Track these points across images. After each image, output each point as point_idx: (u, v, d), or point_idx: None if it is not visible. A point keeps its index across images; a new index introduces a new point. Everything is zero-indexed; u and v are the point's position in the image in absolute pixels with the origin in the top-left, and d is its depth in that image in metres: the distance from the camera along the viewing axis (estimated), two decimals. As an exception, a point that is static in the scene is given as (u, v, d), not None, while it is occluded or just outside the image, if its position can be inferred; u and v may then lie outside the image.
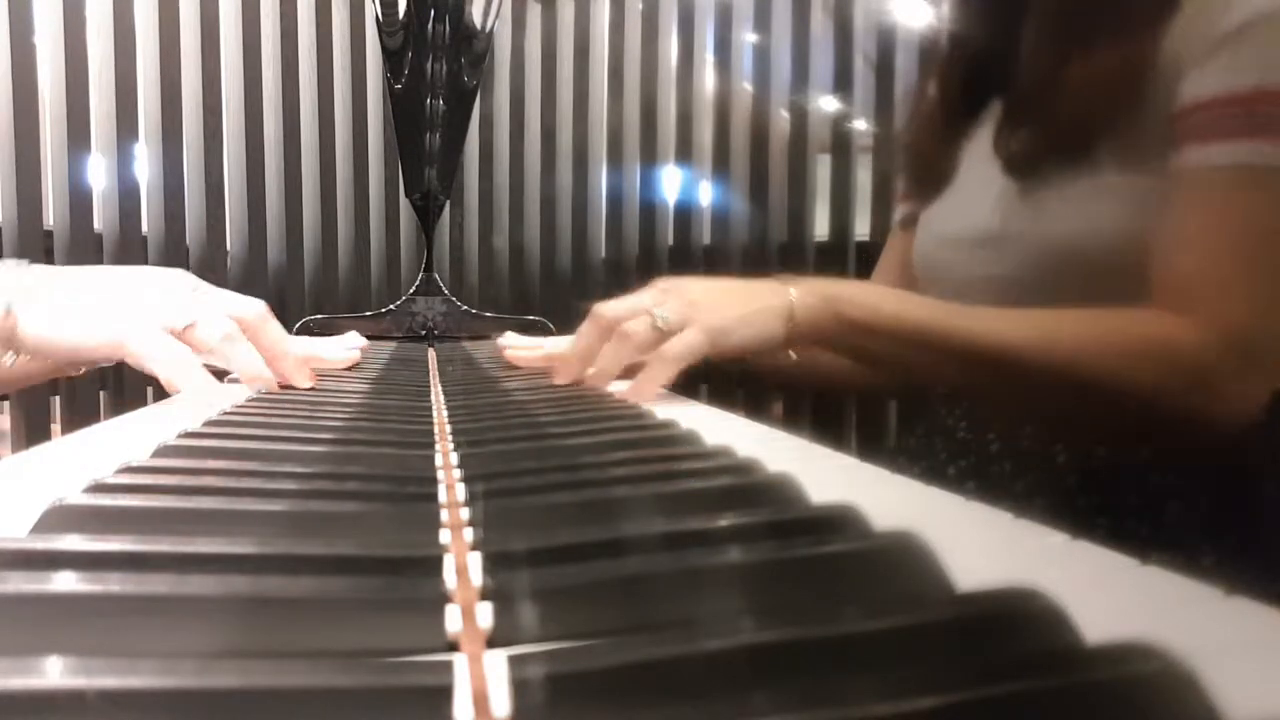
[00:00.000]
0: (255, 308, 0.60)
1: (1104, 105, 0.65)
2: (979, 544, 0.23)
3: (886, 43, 1.53)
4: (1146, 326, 0.60)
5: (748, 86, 1.58)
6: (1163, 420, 0.60)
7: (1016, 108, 0.73)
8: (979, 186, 0.76)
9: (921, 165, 0.87)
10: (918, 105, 0.90)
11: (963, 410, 0.79)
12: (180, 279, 0.60)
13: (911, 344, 0.63)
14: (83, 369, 0.65)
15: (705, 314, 0.60)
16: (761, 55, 1.57)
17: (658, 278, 0.66)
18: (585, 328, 0.64)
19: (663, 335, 0.60)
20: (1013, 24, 0.73)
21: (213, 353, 0.56)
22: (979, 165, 0.77)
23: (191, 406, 0.51)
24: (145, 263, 1.49)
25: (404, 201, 1.49)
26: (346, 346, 0.78)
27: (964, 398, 0.72)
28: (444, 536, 0.24)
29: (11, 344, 0.53)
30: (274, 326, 0.60)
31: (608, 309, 0.63)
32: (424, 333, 1.28)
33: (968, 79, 0.81)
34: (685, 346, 0.59)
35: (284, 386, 0.60)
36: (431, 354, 0.98)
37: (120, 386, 1.44)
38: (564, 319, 1.28)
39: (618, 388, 0.62)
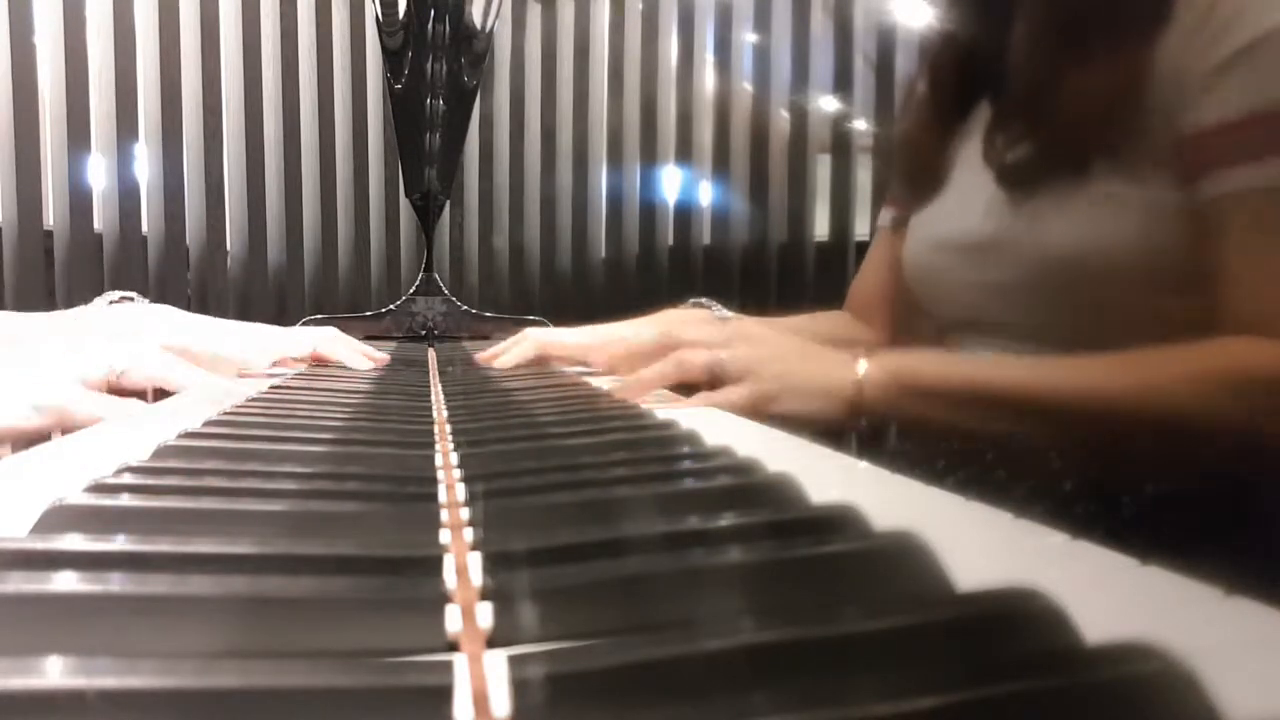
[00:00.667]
0: (161, 361, 0.56)
1: (1097, 117, 0.64)
2: (979, 544, 0.23)
3: (886, 43, 1.53)
4: (1242, 357, 0.58)
5: (748, 86, 1.58)
6: (1259, 449, 0.58)
7: (1007, 117, 0.72)
8: (970, 191, 0.76)
9: (912, 167, 0.86)
10: (908, 105, 0.90)
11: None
12: (69, 344, 0.55)
13: (999, 408, 0.61)
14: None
15: (763, 373, 0.60)
16: (761, 55, 1.57)
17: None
18: (649, 341, 0.64)
19: (715, 376, 0.60)
20: (1003, 24, 0.73)
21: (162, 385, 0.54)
22: (970, 169, 0.77)
23: (190, 407, 0.51)
24: (146, 262, 1.49)
25: (404, 201, 1.49)
26: (362, 352, 0.78)
27: (1049, 451, 0.70)
28: (444, 536, 0.24)
29: None
30: (180, 375, 0.57)
31: (677, 333, 0.63)
32: (424, 333, 1.28)
33: (957, 80, 0.81)
34: (725, 400, 0.59)
35: (285, 386, 0.60)
36: (431, 354, 0.98)
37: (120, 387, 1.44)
38: (564, 319, 1.28)
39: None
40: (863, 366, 0.61)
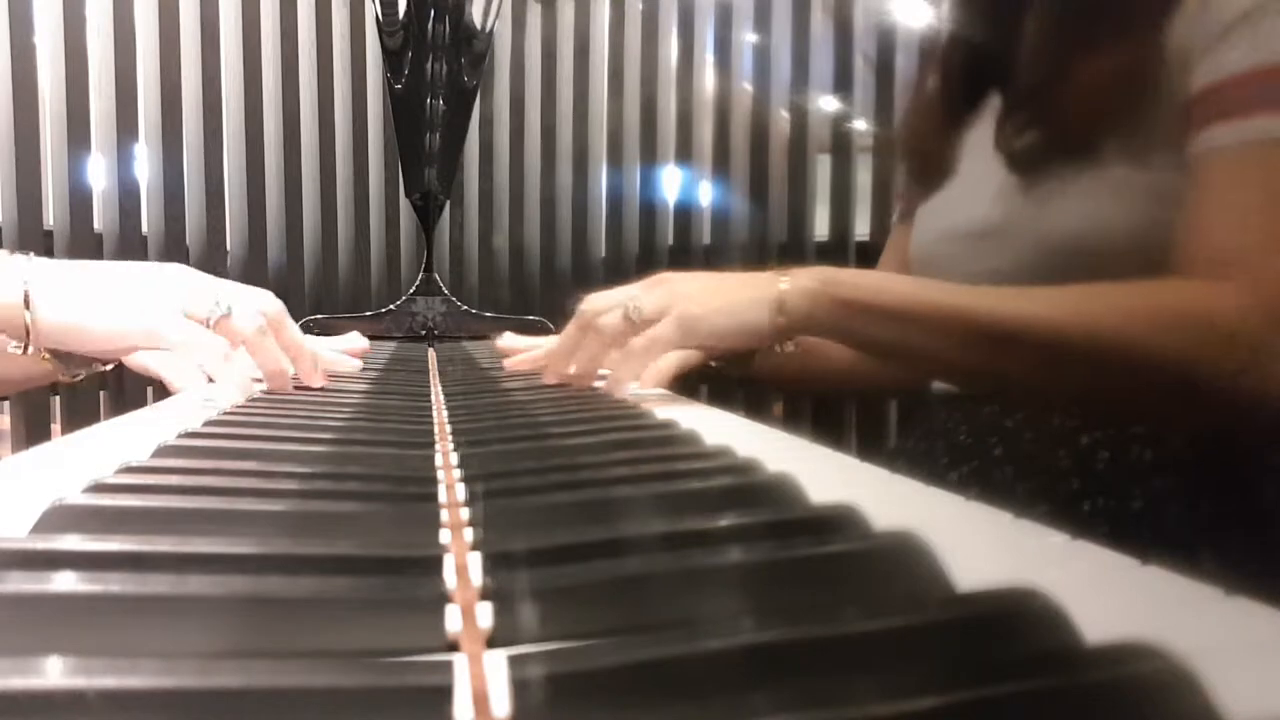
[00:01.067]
0: (275, 304, 0.61)
1: (1109, 101, 0.65)
2: (979, 544, 0.23)
3: (886, 43, 1.53)
4: (1181, 295, 0.57)
5: (748, 86, 1.58)
6: (1200, 395, 0.56)
7: (1019, 103, 0.72)
8: (979, 180, 0.76)
9: (919, 158, 0.86)
10: (915, 98, 0.90)
11: (963, 414, 0.78)
12: (193, 274, 0.60)
13: (923, 326, 0.59)
14: (80, 375, 0.65)
15: (683, 304, 0.59)
16: (761, 55, 1.57)
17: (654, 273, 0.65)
18: (569, 326, 0.64)
19: (635, 328, 0.59)
20: (1013, 16, 0.73)
21: (244, 344, 0.57)
22: (978, 158, 0.77)
23: (190, 407, 0.51)
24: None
25: (404, 201, 1.49)
26: (347, 349, 0.79)
27: (981, 383, 0.69)
28: (444, 536, 0.24)
29: (21, 333, 0.53)
30: (291, 324, 0.61)
31: (589, 305, 0.63)
32: (424, 333, 1.28)
33: (966, 71, 0.81)
34: (651, 339, 0.58)
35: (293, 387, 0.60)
36: (431, 354, 0.98)
37: (120, 387, 1.44)
38: (564, 319, 1.28)
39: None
40: (785, 283, 0.60)
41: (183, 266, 0.61)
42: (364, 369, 0.76)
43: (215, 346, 0.54)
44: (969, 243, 0.76)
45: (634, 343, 0.58)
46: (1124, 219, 0.64)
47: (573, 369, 0.62)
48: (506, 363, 0.80)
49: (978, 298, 0.60)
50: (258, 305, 0.59)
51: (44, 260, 0.57)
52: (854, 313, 0.60)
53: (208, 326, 0.56)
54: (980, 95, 0.81)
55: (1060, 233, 0.67)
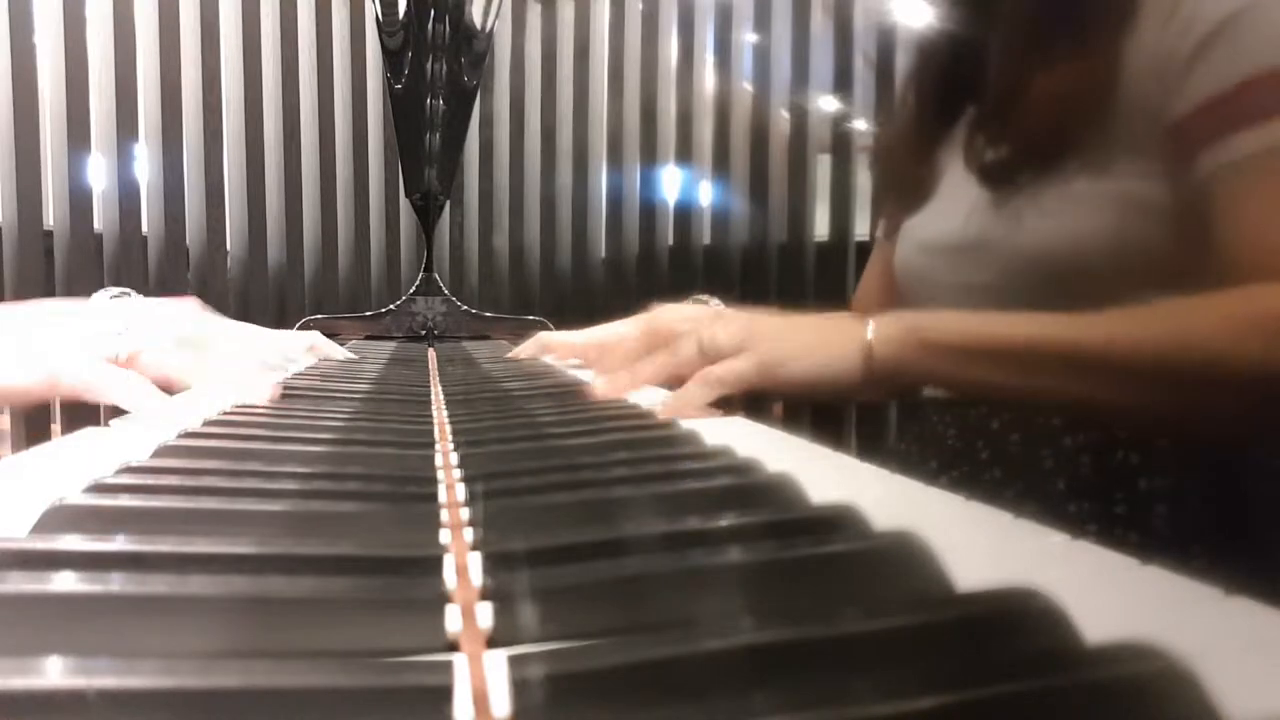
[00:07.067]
0: (193, 324, 0.57)
1: (1072, 112, 0.65)
2: (979, 544, 0.23)
3: (886, 43, 1.53)
4: (1271, 300, 0.55)
5: (748, 86, 1.58)
6: None
7: (986, 117, 0.73)
8: (956, 194, 0.76)
9: (900, 175, 0.87)
10: (894, 115, 0.91)
11: (955, 415, 0.78)
12: (92, 304, 0.57)
13: (1024, 363, 0.58)
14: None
15: (761, 344, 0.58)
16: (761, 55, 1.57)
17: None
18: (634, 330, 0.63)
19: (706, 360, 0.58)
20: (982, 31, 0.73)
21: (165, 372, 0.54)
22: (956, 173, 0.77)
23: (191, 408, 0.51)
24: (145, 262, 1.49)
25: (404, 201, 1.49)
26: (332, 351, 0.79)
27: (1085, 411, 0.67)
28: (444, 536, 0.24)
29: None
30: (218, 341, 0.57)
31: (661, 317, 0.62)
32: (424, 333, 1.28)
33: (941, 87, 0.81)
34: (729, 372, 0.57)
35: (284, 385, 0.59)
36: (431, 354, 0.98)
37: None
38: (564, 319, 1.28)
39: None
40: (871, 327, 0.59)
41: (82, 303, 0.57)
42: (364, 369, 0.76)
43: (117, 384, 0.50)
44: (946, 256, 0.76)
45: (708, 372, 0.57)
46: (1094, 229, 0.64)
47: (627, 380, 0.60)
48: (546, 341, 0.81)
49: (1074, 328, 0.58)
50: (172, 330, 0.56)
51: None
52: (946, 357, 0.59)
53: (119, 364, 0.52)
54: (956, 111, 0.81)
55: (1033, 245, 0.67)
